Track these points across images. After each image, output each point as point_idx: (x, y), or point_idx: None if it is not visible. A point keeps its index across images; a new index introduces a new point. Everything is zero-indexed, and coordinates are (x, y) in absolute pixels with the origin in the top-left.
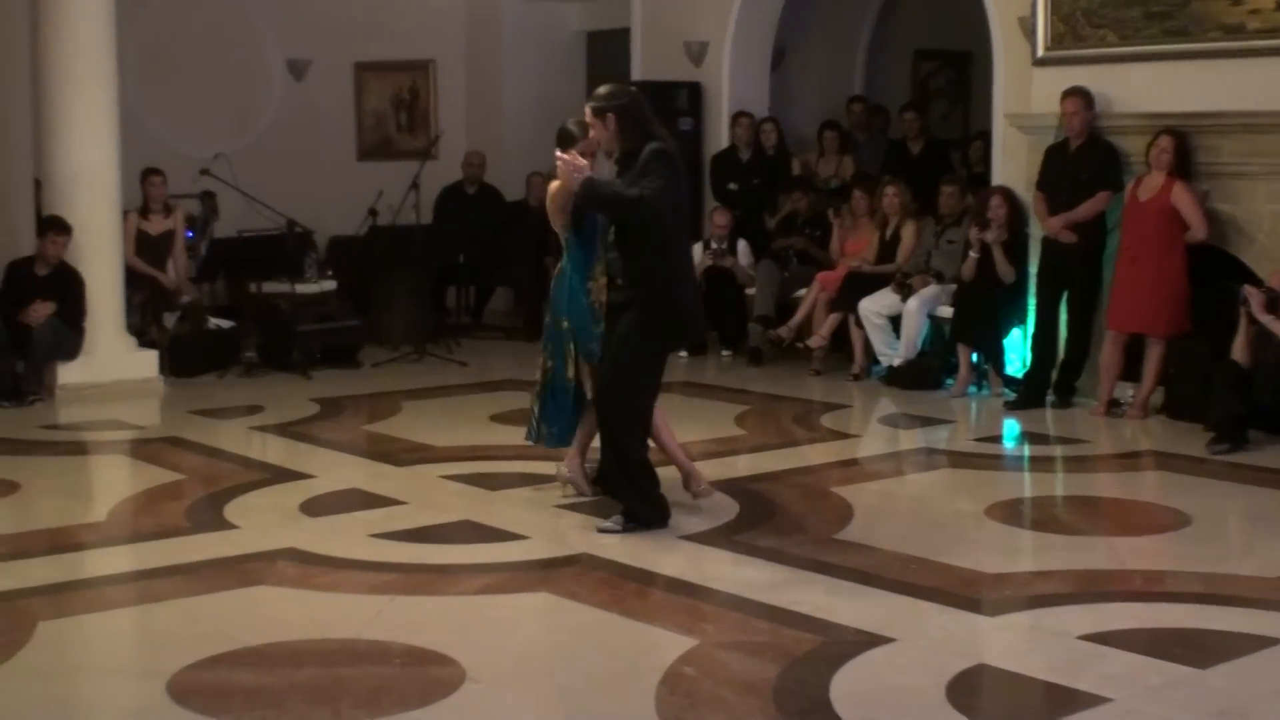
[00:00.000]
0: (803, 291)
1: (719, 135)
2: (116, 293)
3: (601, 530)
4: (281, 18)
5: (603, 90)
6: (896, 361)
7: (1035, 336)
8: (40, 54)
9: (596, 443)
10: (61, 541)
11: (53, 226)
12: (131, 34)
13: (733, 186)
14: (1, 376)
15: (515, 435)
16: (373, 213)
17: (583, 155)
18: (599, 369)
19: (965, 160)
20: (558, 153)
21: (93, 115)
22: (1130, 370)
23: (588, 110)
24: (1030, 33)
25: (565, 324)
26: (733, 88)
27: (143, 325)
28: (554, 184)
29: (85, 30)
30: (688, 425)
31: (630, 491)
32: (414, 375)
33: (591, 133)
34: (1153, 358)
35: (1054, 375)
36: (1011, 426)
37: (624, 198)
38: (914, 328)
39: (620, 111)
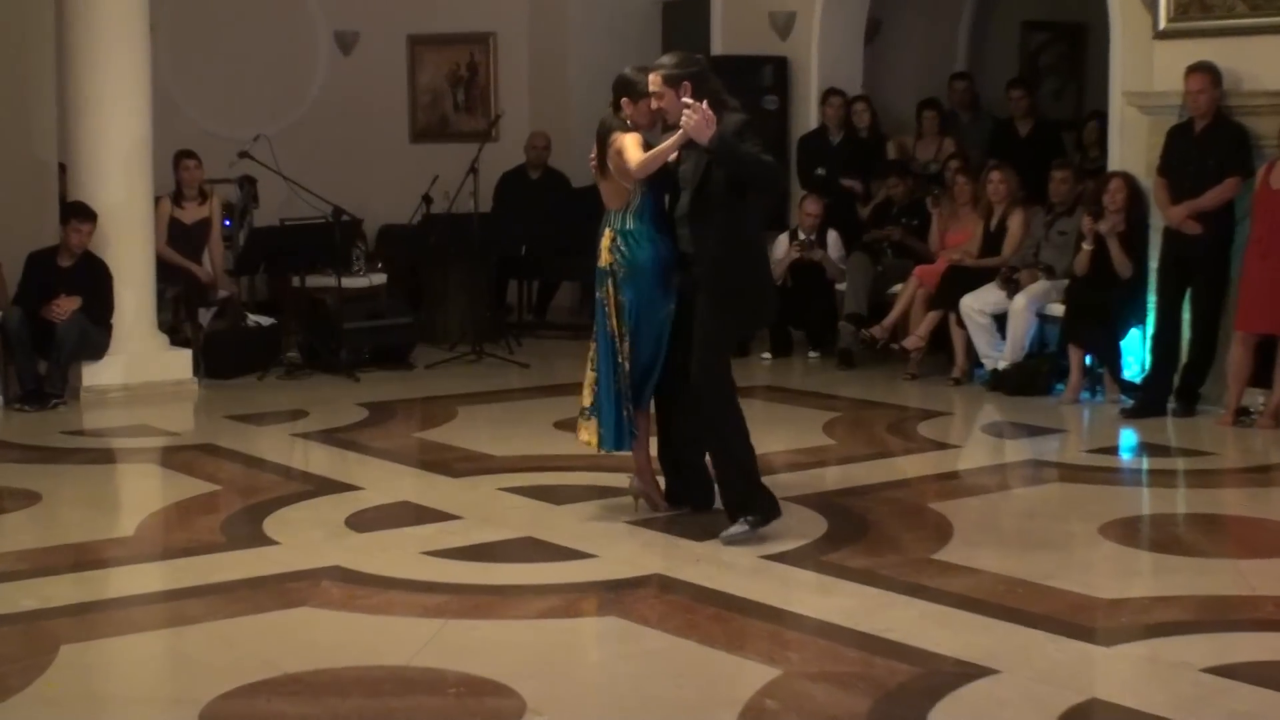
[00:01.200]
0: (898, 287)
1: (807, 115)
2: (147, 286)
3: (728, 539)
4: None
5: (670, 59)
6: (1002, 364)
7: (1155, 337)
8: (66, 25)
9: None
10: (86, 558)
11: (76, 213)
12: (164, 4)
13: (820, 172)
14: (23, 377)
15: (580, 444)
16: (427, 200)
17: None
18: (694, 357)
19: (1079, 143)
20: (689, 101)
21: (122, 92)
22: (1261, 375)
23: (656, 79)
24: (1151, 2)
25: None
26: (822, 63)
27: (175, 322)
28: (627, 137)
29: (115, 1)
30: (771, 434)
31: (743, 482)
32: (471, 378)
33: (655, 103)
34: None
35: (1176, 380)
36: (1129, 437)
37: (762, 160)
38: (1021, 327)
39: (697, 80)
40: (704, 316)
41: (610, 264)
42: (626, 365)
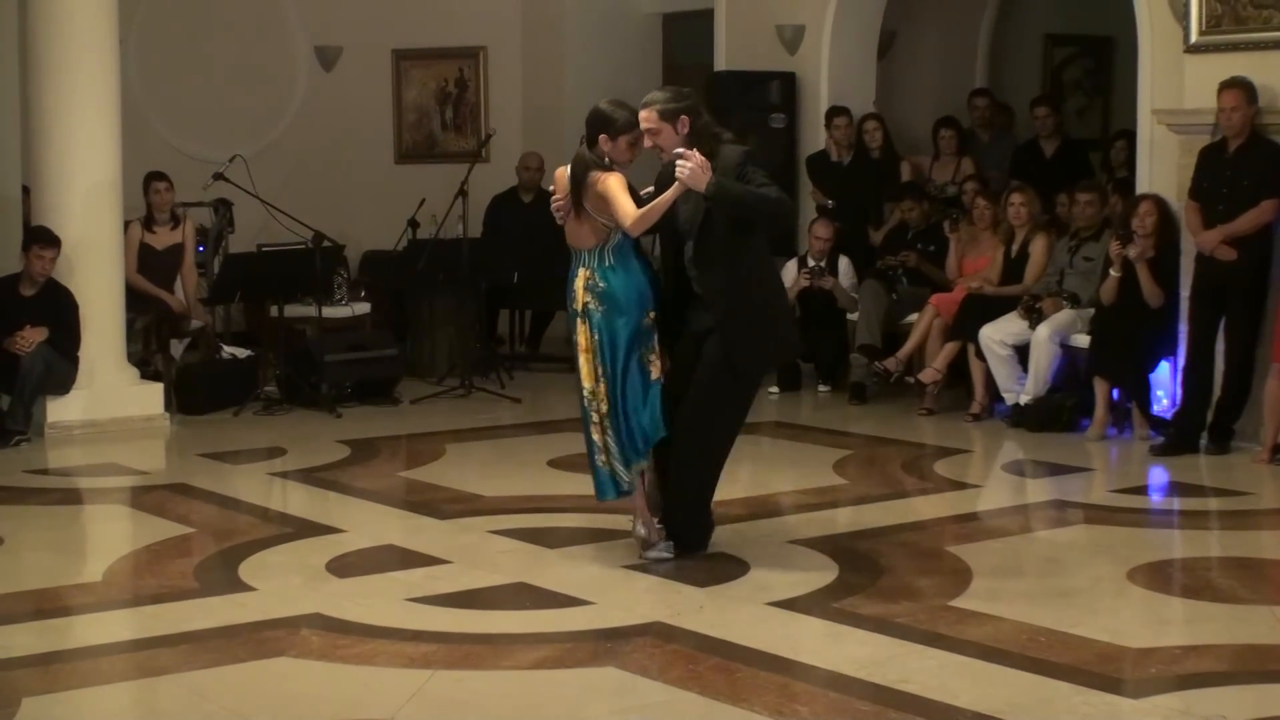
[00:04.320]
0: (914, 316)
1: (816, 134)
2: (116, 316)
3: (650, 558)
4: None
5: (662, 94)
6: (1023, 399)
7: (1187, 370)
8: (30, 38)
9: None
10: (50, 605)
11: (39, 239)
12: (134, 16)
13: (829, 204)
14: None
15: (576, 484)
16: (413, 224)
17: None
18: (686, 404)
19: (1105, 164)
20: (681, 151)
21: (89, 110)
22: None
23: (651, 115)
24: (1182, 14)
25: (651, 317)
26: (832, 79)
27: (146, 354)
28: (612, 179)
29: (82, 13)
30: (779, 473)
31: (683, 516)
32: (460, 413)
33: (648, 140)
34: None
35: (1209, 416)
36: (1159, 475)
37: (765, 196)
38: (1044, 359)
39: (694, 114)
40: (715, 365)
41: (587, 303)
42: (609, 407)
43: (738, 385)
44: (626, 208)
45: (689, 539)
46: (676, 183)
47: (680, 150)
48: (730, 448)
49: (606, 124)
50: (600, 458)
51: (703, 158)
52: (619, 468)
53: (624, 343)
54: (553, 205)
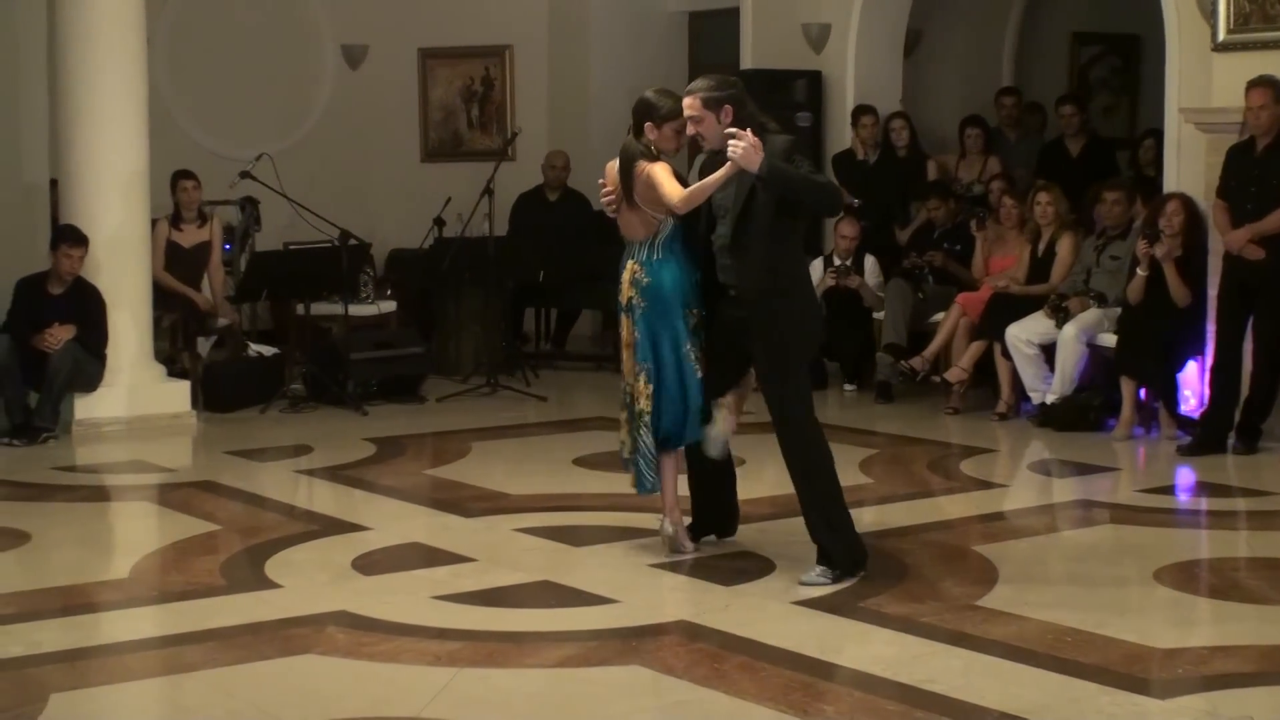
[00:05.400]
0: (940, 316)
1: (842, 133)
2: (143, 314)
3: (804, 581)
4: None
5: (706, 82)
6: (1050, 398)
7: (1215, 369)
8: (59, 38)
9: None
10: (77, 601)
11: (66, 238)
12: (162, 16)
13: (856, 202)
14: (12, 410)
15: (602, 482)
16: (439, 223)
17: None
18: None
19: (1133, 162)
20: (734, 130)
21: (117, 109)
22: None
23: (695, 102)
24: (1210, 12)
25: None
26: (859, 77)
27: (173, 351)
28: (657, 167)
29: (110, 11)
30: None
31: (824, 529)
32: (485, 411)
33: (693, 128)
34: None
35: (1237, 415)
36: (1186, 475)
37: (817, 181)
38: (1070, 359)
39: (738, 103)
40: (764, 360)
41: (631, 298)
42: (645, 405)
43: (789, 383)
44: (674, 188)
45: (843, 561)
46: (729, 163)
47: (732, 129)
48: (822, 438)
49: (651, 111)
50: (628, 452)
51: (754, 138)
52: (645, 466)
53: (667, 339)
54: (602, 198)
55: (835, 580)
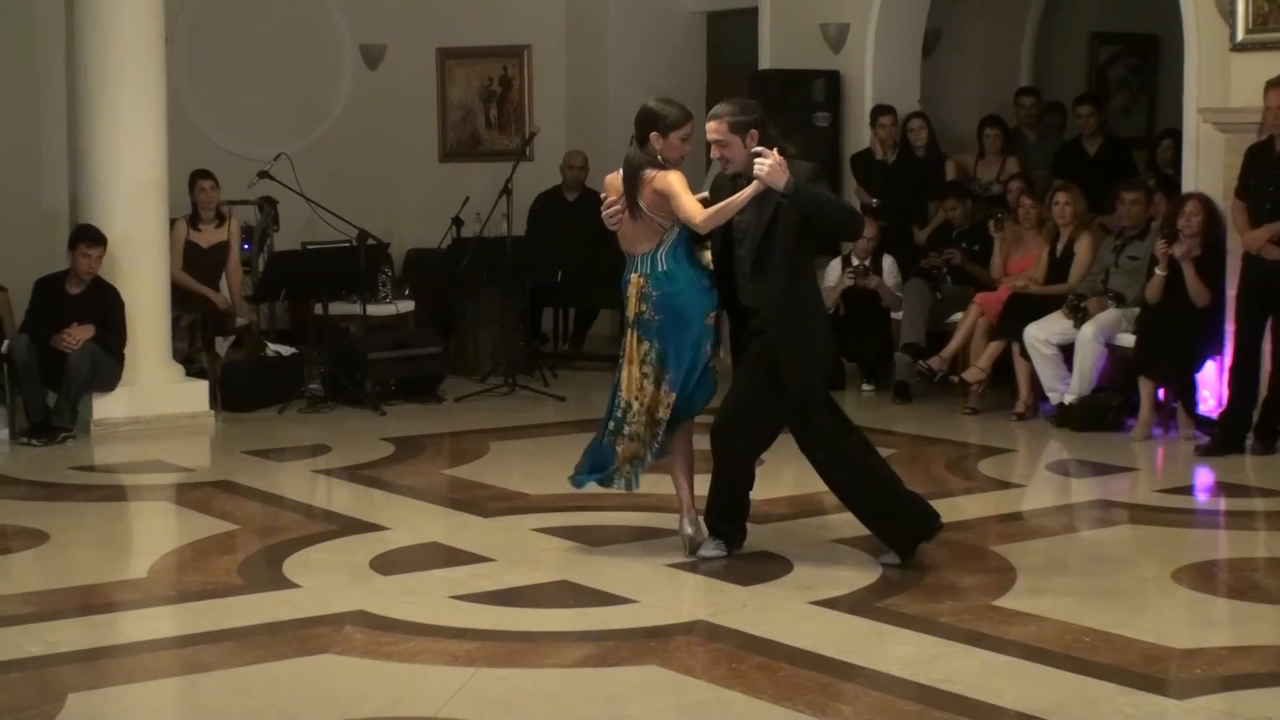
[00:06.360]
0: (958, 316)
1: (860, 132)
2: (162, 314)
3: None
4: None
5: (730, 106)
6: (1068, 398)
7: (1233, 369)
8: (77, 38)
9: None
10: (96, 601)
11: (85, 238)
12: (180, 16)
13: (875, 202)
14: (30, 410)
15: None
16: (457, 222)
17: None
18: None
19: (1151, 163)
20: (760, 149)
21: (135, 109)
22: None
23: (721, 126)
24: (1229, 12)
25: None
26: (877, 77)
27: (191, 352)
28: (672, 176)
29: (128, 11)
30: None
31: (872, 521)
32: (503, 411)
33: (715, 151)
34: None
35: (1255, 415)
36: (1204, 475)
37: (843, 205)
38: (1089, 359)
39: (763, 127)
40: (766, 370)
41: (642, 312)
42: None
43: (781, 392)
44: (694, 205)
45: (902, 545)
46: (754, 182)
47: (759, 148)
48: (854, 442)
49: (656, 121)
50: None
51: (780, 156)
52: (630, 471)
53: (689, 348)
54: (605, 211)
55: (899, 565)
